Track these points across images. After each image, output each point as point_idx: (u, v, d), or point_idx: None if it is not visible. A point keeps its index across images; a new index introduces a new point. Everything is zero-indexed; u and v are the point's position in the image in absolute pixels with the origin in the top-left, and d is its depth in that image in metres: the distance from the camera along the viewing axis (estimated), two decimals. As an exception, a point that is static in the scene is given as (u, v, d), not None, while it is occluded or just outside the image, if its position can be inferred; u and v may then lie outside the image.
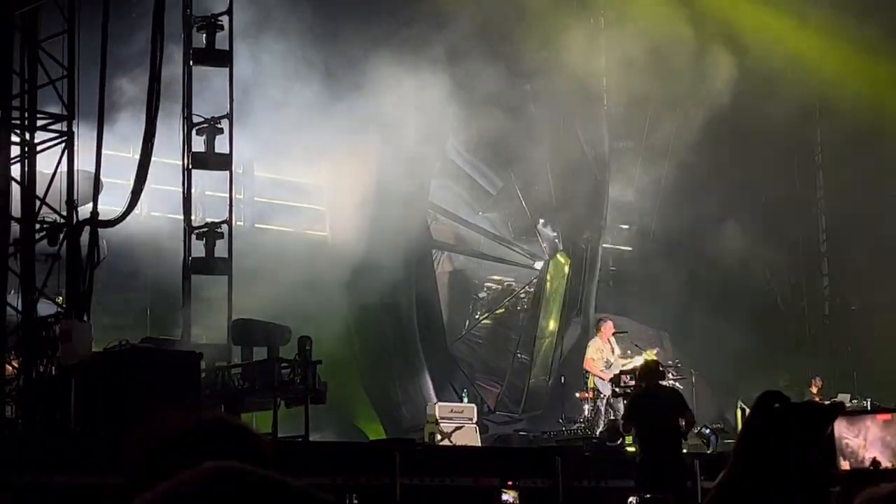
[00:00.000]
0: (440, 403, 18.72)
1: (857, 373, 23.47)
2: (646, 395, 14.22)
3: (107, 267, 15.55)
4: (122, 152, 17.16)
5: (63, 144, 14.92)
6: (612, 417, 18.43)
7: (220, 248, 16.51)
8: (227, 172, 16.74)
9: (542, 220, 23.58)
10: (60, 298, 14.92)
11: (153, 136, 15.38)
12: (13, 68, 14.90)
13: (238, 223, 18.15)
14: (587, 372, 19.31)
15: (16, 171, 14.78)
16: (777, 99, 24.45)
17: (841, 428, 16.03)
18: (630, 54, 22.24)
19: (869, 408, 19.47)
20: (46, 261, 14.74)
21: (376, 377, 21.37)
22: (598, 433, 18.67)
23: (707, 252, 24.01)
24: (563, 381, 22.17)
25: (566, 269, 23.63)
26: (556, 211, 23.47)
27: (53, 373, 14.07)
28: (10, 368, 14.49)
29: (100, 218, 15.01)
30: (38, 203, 14.75)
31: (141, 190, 15.38)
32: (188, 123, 16.58)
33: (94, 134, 14.98)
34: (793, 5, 24.72)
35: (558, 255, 23.60)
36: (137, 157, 15.36)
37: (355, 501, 13.42)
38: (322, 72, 19.67)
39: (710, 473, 14.79)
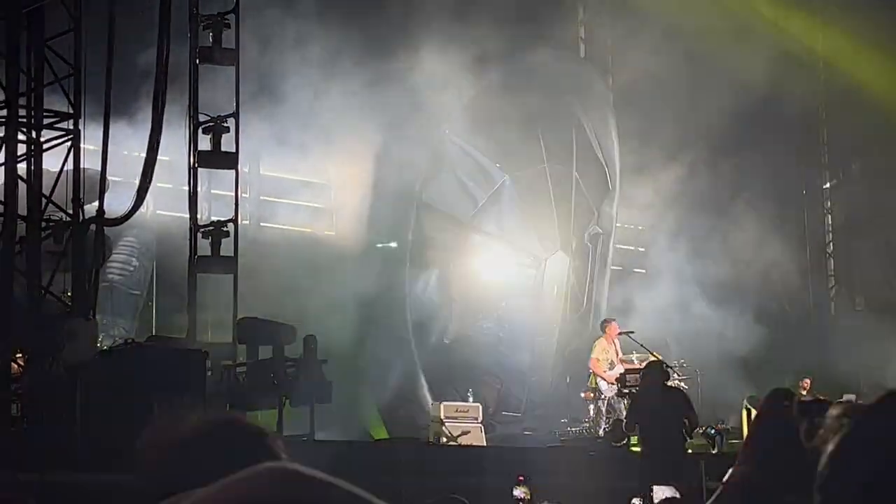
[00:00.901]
0: (445, 403, 18.63)
1: (863, 375, 23.43)
2: (649, 395, 14.23)
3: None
4: (128, 151, 17.18)
5: (69, 143, 14.94)
6: (616, 418, 18.41)
7: (226, 247, 16.52)
8: (233, 171, 16.74)
9: (540, 216, 23.35)
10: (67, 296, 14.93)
11: (159, 134, 15.41)
12: (20, 66, 14.91)
13: (244, 222, 18.14)
14: (591, 371, 19.30)
15: (22, 169, 14.78)
16: (783, 97, 24.42)
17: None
18: (638, 48, 22.29)
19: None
20: (52, 259, 14.75)
21: (376, 377, 21.32)
22: (600, 433, 18.65)
23: (712, 252, 23.97)
24: (567, 380, 22.15)
25: (567, 266, 23.53)
26: (557, 206, 23.29)
27: (59, 371, 14.08)
28: (16, 366, 14.50)
29: (105, 216, 15.04)
30: (43, 201, 14.75)
31: (147, 188, 15.41)
32: (194, 122, 16.58)
33: (101, 132, 15.01)
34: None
35: (559, 252, 23.47)
36: (144, 155, 15.39)
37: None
38: (326, 68, 19.67)
39: (715, 474, 14.76)
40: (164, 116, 15.61)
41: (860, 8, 23.91)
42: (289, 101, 19.37)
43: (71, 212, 14.83)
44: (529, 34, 22.61)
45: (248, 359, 15.76)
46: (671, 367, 19.10)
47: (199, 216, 16.75)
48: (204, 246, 16.50)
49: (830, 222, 27.50)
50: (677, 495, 13.13)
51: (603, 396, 18.91)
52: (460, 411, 18.33)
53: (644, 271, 24.46)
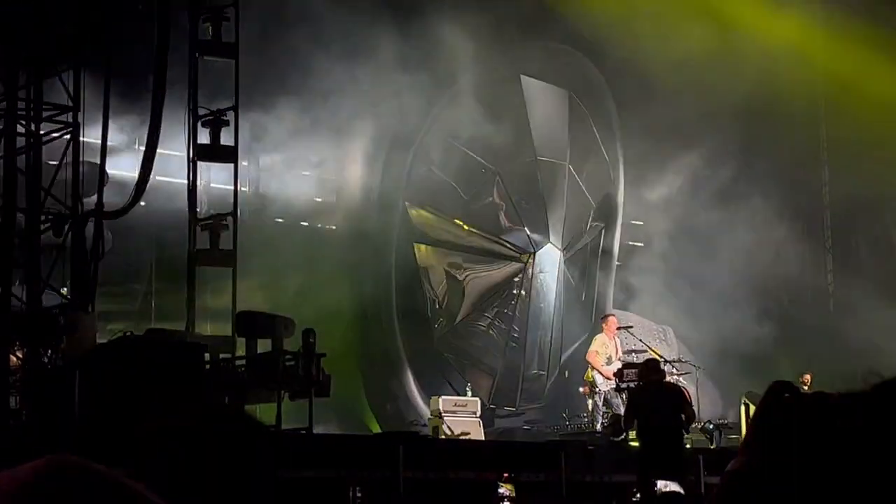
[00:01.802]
0: (444, 397, 18.66)
1: (861, 369, 23.42)
2: (646, 391, 14.33)
3: (111, 258, 15.56)
4: (127, 144, 17.18)
5: (69, 136, 14.93)
6: (614, 413, 18.44)
7: (225, 241, 16.51)
8: (233, 164, 16.74)
9: (529, 209, 23.19)
10: (65, 290, 14.93)
11: (159, 128, 15.41)
12: (19, 59, 14.89)
13: (243, 215, 18.13)
14: (589, 365, 19.29)
15: (21, 162, 14.78)
16: (782, 95, 24.40)
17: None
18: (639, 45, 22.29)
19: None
20: (51, 252, 14.74)
21: (366, 372, 21.29)
22: (597, 427, 18.67)
23: (712, 248, 23.98)
24: (566, 375, 22.15)
25: (559, 260, 23.40)
26: (548, 199, 23.14)
27: (58, 364, 14.08)
28: (15, 359, 14.50)
29: (105, 209, 15.03)
30: (42, 194, 14.75)
31: (146, 181, 15.40)
32: (193, 115, 16.57)
33: (100, 125, 15.00)
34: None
35: (549, 246, 23.26)
36: (143, 148, 15.38)
37: (358, 494, 13.43)
38: (326, 63, 19.67)
39: (714, 469, 14.80)
40: (163, 110, 15.59)
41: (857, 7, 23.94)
42: (287, 95, 19.37)
43: (70, 205, 14.83)
44: (521, 25, 22.56)
45: (247, 352, 15.75)
46: (670, 362, 19.15)
47: (198, 209, 16.75)
48: (203, 239, 16.50)
49: (829, 219, 27.50)
50: (682, 490, 13.17)
51: (598, 390, 18.92)
52: (459, 405, 18.37)
53: (642, 265, 24.43)
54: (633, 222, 24.91)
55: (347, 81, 19.83)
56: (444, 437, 17.45)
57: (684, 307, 23.33)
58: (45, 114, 14.98)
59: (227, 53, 16.74)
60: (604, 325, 19.80)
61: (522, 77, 22.82)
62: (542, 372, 22.89)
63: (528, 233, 22.99)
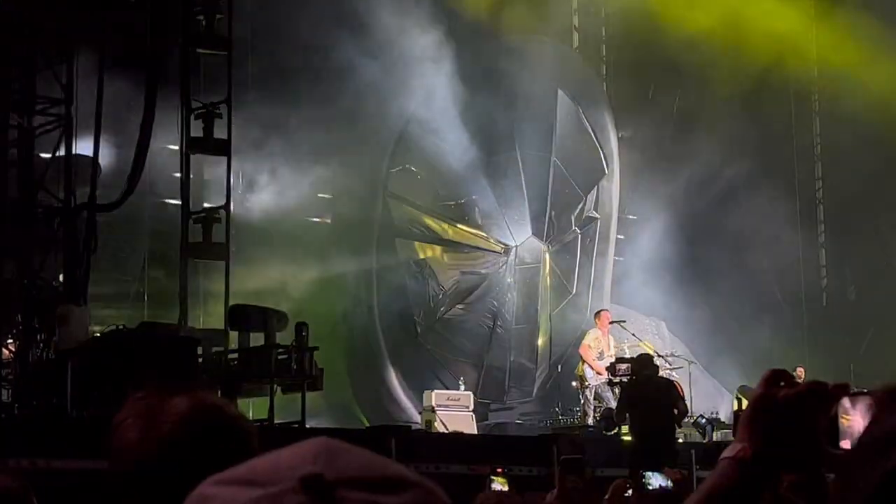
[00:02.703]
0: (437, 391, 18.66)
1: (855, 364, 23.46)
2: (638, 385, 14.35)
3: (103, 251, 15.54)
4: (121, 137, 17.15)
5: (61, 129, 14.90)
6: (605, 407, 18.44)
7: (218, 234, 16.47)
8: (226, 158, 16.69)
9: (510, 203, 22.92)
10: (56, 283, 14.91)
11: (152, 120, 15.37)
12: (10, 52, 14.86)
13: (235, 208, 18.11)
14: (581, 359, 19.27)
15: (13, 154, 14.76)
16: (774, 89, 24.43)
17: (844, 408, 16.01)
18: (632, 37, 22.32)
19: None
20: (43, 245, 14.72)
21: (352, 369, 21.25)
22: (589, 421, 18.67)
23: (706, 243, 24.00)
24: (559, 369, 22.12)
25: (545, 254, 23.20)
26: (528, 192, 23.00)
27: (50, 357, 14.06)
28: (7, 352, 14.48)
29: (97, 202, 15.01)
30: (35, 187, 14.73)
31: (139, 175, 15.37)
32: (186, 108, 16.51)
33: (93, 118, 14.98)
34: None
35: (532, 239, 22.97)
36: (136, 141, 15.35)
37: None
38: (324, 59, 19.68)
39: (706, 463, 14.81)
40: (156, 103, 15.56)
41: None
42: (280, 88, 19.36)
43: (62, 198, 14.80)
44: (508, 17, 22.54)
45: (240, 346, 15.74)
46: (662, 357, 19.16)
47: (190, 203, 16.70)
48: (196, 232, 16.45)
49: (822, 214, 27.54)
50: (669, 483, 13.16)
51: (589, 385, 18.89)
52: (452, 399, 18.37)
53: (636, 260, 24.42)
54: (629, 216, 24.89)
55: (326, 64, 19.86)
56: (437, 429, 17.46)
57: (677, 302, 23.34)
58: (37, 106, 14.95)
59: (220, 46, 16.69)
60: (597, 319, 19.77)
61: (505, 68, 22.68)
62: (530, 365, 22.80)
63: (509, 226, 22.76)
